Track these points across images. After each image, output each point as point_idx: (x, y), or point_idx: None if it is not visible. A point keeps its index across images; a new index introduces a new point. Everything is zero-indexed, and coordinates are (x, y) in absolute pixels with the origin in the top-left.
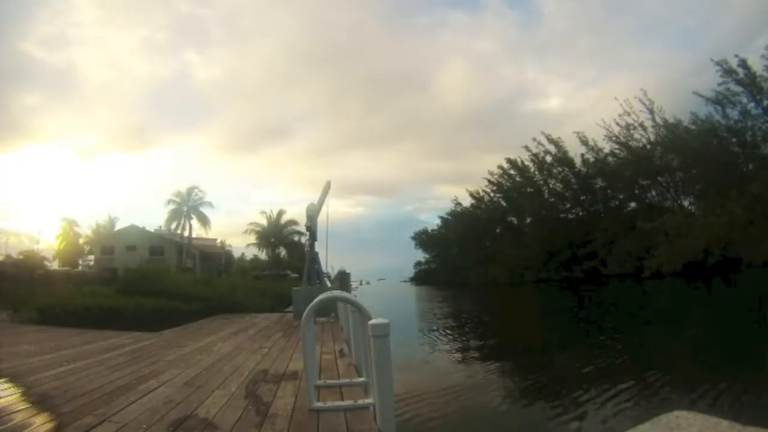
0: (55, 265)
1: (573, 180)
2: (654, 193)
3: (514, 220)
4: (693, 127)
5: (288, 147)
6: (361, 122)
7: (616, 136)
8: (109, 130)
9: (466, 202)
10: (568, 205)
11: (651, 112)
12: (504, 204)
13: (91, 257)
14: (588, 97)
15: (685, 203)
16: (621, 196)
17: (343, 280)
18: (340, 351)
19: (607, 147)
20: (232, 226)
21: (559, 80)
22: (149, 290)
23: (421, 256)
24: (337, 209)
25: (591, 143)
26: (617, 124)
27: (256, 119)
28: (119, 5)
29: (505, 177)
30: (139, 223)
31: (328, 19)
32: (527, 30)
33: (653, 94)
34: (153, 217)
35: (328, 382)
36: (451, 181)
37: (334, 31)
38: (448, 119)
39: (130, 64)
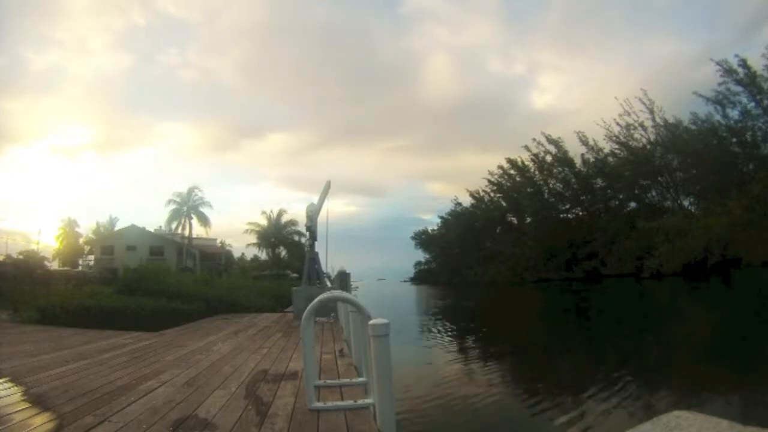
0: (55, 265)
1: (573, 180)
2: (654, 193)
3: (514, 220)
4: (693, 127)
5: (274, 146)
6: (349, 120)
7: (616, 136)
8: (89, 131)
9: (466, 201)
10: (568, 205)
11: (651, 112)
12: (504, 204)
13: (91, 257)
14: (584, 91)
15: (685, 203)
16: (621, 196)
17: (342, 280)
18: (340, 351)
19: (607, 147)
20: (222, 225)
21: (554, 73)
22: (149, 290)
23: (419, 255)
24: (331, 209)
25: (591, 143)
26: (617, 123)
27: (240, 118)
28: (98, 5)
29: (505, 177)
30: (126, 222)
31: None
32: (517, 20)
33: (655, 86)
34: (140, 216)
35: (328, 382)
36: (444, 179)
37: (317, 23)
38: (437, 115)
39: (109, 62)
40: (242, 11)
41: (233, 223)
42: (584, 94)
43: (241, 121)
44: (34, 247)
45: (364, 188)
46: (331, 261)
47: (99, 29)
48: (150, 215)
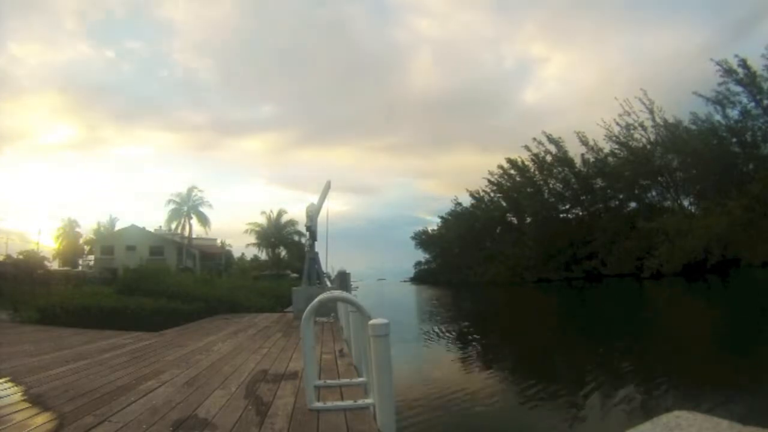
0: (55, 265)
1: (573, 180)
2: (654, 193)
3: (514, 220)
4: (693, 127)
5: (264, 145)
6: (340, 118)
7: (616, 136)
8: (76, 131)
9: (466, 201)
10: (568, 205)
11: (651, 112)
12: (504, 204)
13: (91, 257)
14: (578, 88)
15: (685, 203)
16: (621, 196)
17: (342, 280)
18: (340, 351)
19: (607, 147)
20: (214, 224)
21: (548, 69)
22: (149, 290)
23: (419, 255)
24: (328, 208)
25: (591, 143)
26: (617, 123)
27: (228, 116)
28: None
29: (505, 177)
30: (125, 222)
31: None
32: (509, 12)
33: (655, 84)
34: (130, 215)
35: (328, 382)
36: (441, 178)
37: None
38: (431, 113)
39: (95, 61)
40: (227, 9)
41: (227, 222)
42: (579, 91)
43: (230, 120)
44: (32, 246)
45: (359, 187)
46: (330, 261)
47: (87, 28)
48: (142, 214)
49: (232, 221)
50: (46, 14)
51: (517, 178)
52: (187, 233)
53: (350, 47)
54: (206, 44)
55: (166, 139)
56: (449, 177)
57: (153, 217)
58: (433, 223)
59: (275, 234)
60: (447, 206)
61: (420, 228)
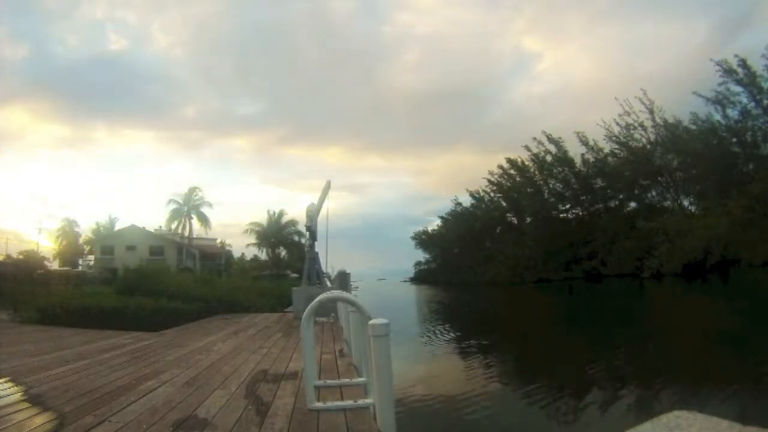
0: (55, 265)
1: (573, 180)
2: (654, 193)
3: (514, 220)
4: (693, 127)
5: (257, 144)
6: (334, 116)
7: (616, 136)
8: (64, 131)
9: (466, 201)
10: (568, 205)
11: (651, 112)
12: (504, 204)
13: (91, 257)
14: (569, 86)
15: (685, 203)
16: (621, 196)
17: (342, 279)
18: (340, 351)
19: (607, 147)
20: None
21: (542, 65)
22: (149, 290)
23: (419, 255)
24: (324, 207)
25: (591, 143)
26: (617, 123)
27: (221, 116)
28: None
29: (505, 177)
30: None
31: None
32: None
33: (656, 81)
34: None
35: (328, 382)
36: (439, 177)
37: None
38: (430, 112)
39: (81, 58)
40: (213, 8)
41: (223, 222)
42: (578, 88)
43: (224, 119)
44: (29, 246)
45: (358, 186)
46: (330, 261)
47: (75, 29)
48: (139, 214)
49: (229, 221)
50: (35, 16)
51: (517, 178)
52: (187, 233)
53: (344, 44)
54: (195, 43)
55: (158, 139)
56: (448, 176)
57: (148, 217)
58: (433, 223)
59: (275, 234)
60: (446, 205)
61: (420, 227)
